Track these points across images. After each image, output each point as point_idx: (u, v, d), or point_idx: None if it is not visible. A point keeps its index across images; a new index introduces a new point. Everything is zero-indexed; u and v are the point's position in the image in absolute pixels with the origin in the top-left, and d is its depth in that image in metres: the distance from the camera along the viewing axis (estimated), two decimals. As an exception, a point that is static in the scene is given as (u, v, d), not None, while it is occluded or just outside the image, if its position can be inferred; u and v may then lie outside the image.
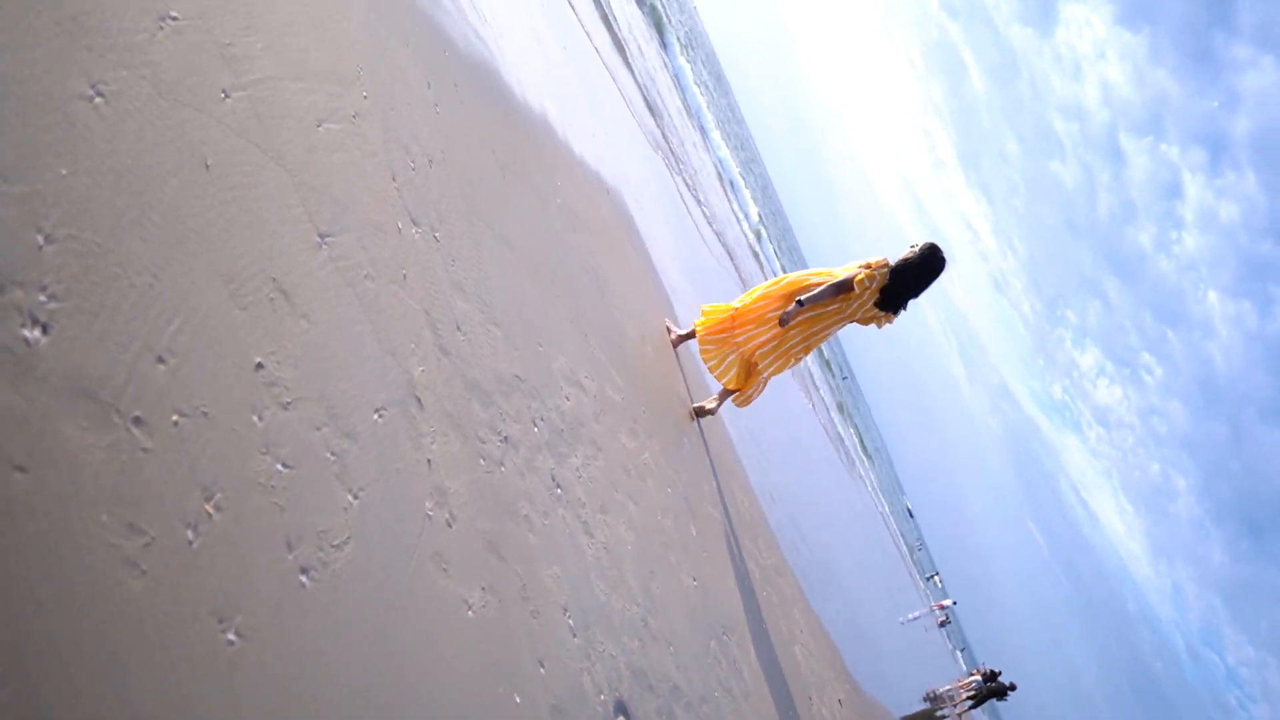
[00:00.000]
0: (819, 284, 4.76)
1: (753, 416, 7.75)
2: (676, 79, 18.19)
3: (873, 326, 5.04)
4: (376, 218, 2.22)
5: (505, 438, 2.46)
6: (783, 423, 10.91)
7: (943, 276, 4.94)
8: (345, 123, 2.26)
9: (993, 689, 22.88)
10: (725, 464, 5.53)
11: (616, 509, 3.14)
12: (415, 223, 2.46)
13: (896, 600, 19.44)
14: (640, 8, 16.14)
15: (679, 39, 24.39)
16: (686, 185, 11.36)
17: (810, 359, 24.20)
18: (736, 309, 4.92)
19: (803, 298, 4.75)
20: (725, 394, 5.14)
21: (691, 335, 5.23)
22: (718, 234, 13.12)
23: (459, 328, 2.46)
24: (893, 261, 4.80)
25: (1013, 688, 23.03)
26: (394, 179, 2.44)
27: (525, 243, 3.40)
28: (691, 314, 5.87)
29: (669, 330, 5.43)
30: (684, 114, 17.01)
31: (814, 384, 22.47)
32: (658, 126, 10.87)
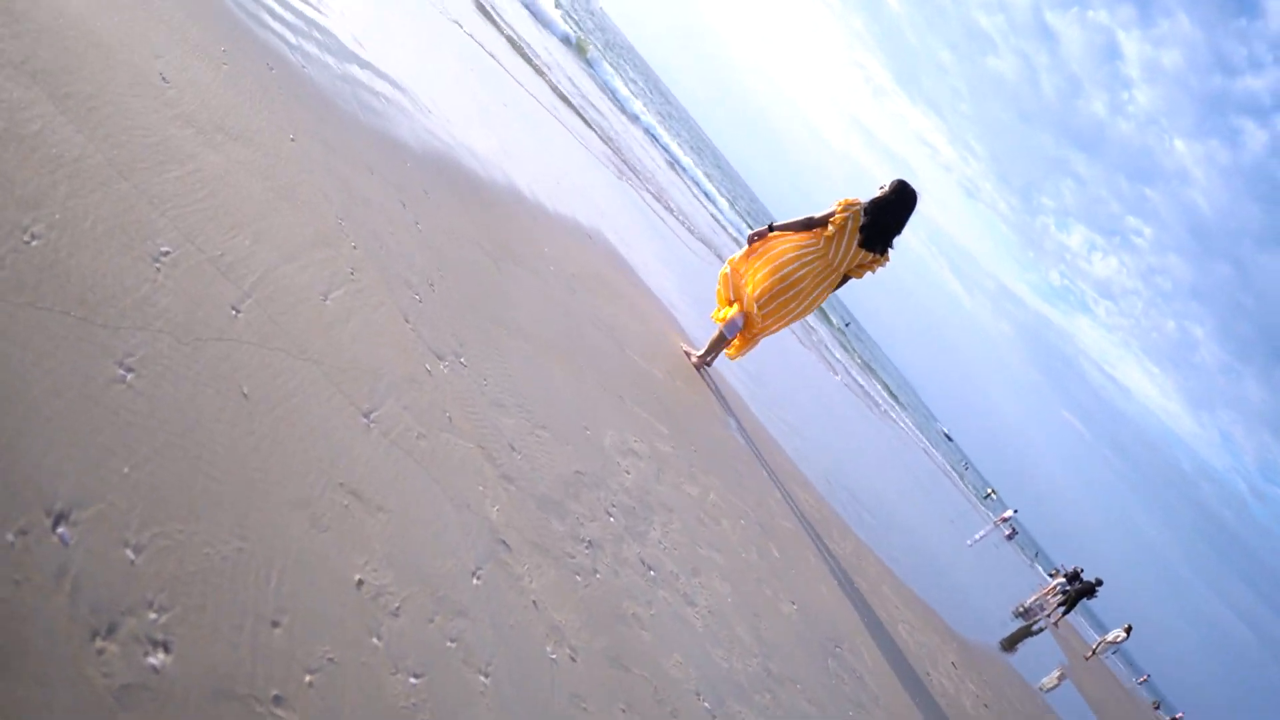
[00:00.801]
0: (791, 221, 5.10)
1: (790, 408, 7.71)
2: (612, 94, 18.23)
3: (868, 276, 5.18)
4: (406, 370, 2.18)
5: (589, 542, 2.41)
6: (817, 403, 10.89)
7: (918, 208, 5.07)
8: (346, 283, 2.22)
9: (1081, 589, 22.84)
10: (781, 469, 5.49)
11: (706, 565, 3.09)
12: (439, 356, 2.42)
13: (959, 529, 19.40)
14: (553, 33, 16.15)
15: (599, 50, 24.44)
16: (653, 196, 11.33)
17: (814, 320, 24.24)
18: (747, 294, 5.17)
19: (772, 223, 5.13)
20: (715, 345, 5.31)
21: (718, 346, 5.35)
22: (692, 231, 13.08)
23: (513, 448, 2.42)
24: (866, 203, 4.95)
25: (1099, 583, 22.99)
26: (407, 320, 2.41)
27: (538, 328, 3.36)
28: (697, 324, 5.89)
29: (688, 355, 5.42)
30: (628, 125, 17.00)
31: (831, 354, 22.42)
32: (608, 147, 10.85)
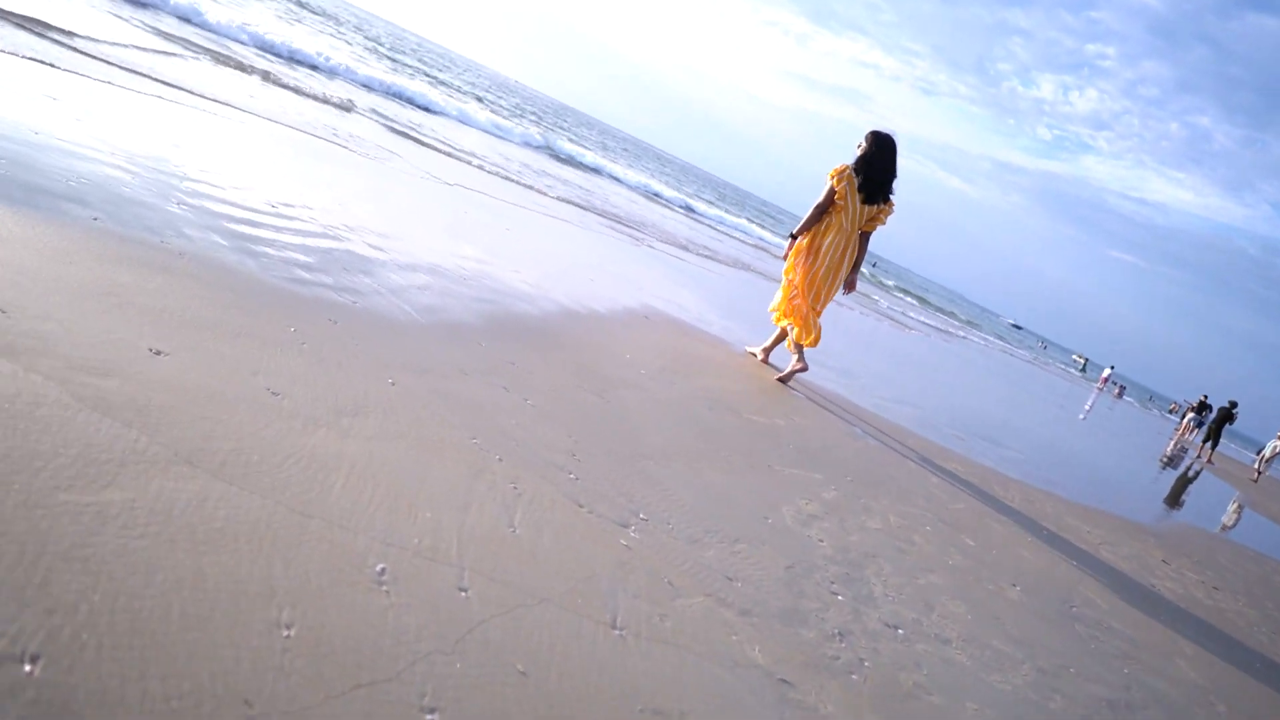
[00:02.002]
0: (805, 220, 5.42)
1: (882, 381, 7.62)
2: (596, 170, 18.51)
3: (879, 228, 5.51)
4: (611, 556, 2.18)
5: (839, 634, 2.37)
6: (897, 361, 10.78)
7: (895, 146, 5.38)
8: (518, 502, 2.23)
9: (1218, 417, 22.18)
10: (917, 448, 5.40)
11: (932, 594, 3.03)
12: (624, 525, 2.41)
13: (1071, 410, 18.97)
14: (530, 148, 16.40)
15: (560, 133, 24.83)
16: (664, 242, 11.36)
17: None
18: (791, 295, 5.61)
19: (793, 230, 5.48)
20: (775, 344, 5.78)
21: (779, 341, 5.85)
22: (713, 257, 13.09)
23: (729, 578, 2.39)
24: (851, 163, 5.31)
25: (1234, 405, 22.31)
26: (580, 505, 2.41)
27: (671, 440, 3.36)
28: (750, 334, 5.89)
29: (753, 355, 5.83)
30: (606, 184, 17.18)
31: (878, 305, 22.23)
32: (607, 219, 10.92)
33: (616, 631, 1.85)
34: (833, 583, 2.72)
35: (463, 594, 1.73)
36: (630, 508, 2.55)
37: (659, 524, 2.53)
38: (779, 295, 5.77)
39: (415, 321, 3.36)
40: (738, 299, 9.29)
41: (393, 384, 2.65)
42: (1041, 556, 4.26)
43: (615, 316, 5.21)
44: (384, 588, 1.63)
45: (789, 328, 5.68)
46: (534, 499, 2.30)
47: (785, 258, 5.66)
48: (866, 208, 5.34)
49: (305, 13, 30.74)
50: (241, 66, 9.27)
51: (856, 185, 5.28)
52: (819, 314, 5.68)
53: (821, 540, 3.05)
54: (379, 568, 1.68)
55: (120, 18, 8.86)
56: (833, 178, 5.33)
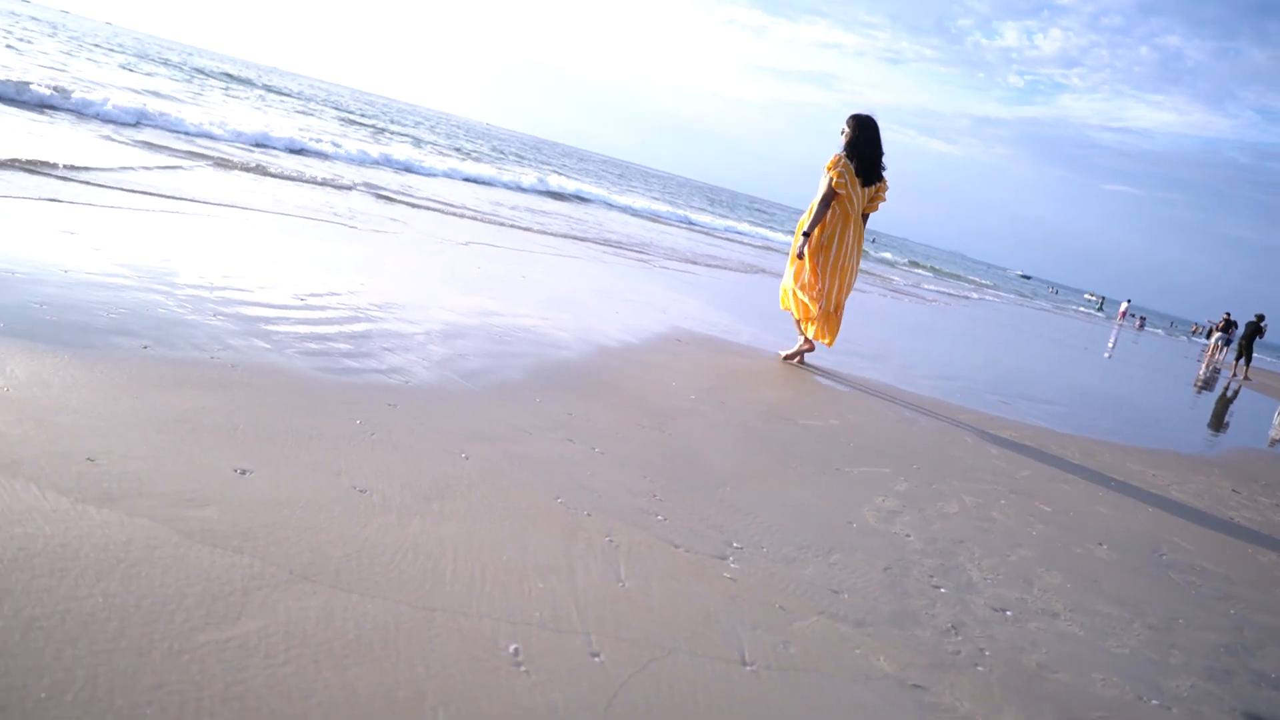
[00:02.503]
0: (808, 214, 5.51)
1: (916, 359, 7.60)
2: (588, 200, 18.63)
3: (881, 207, 5.70)
4: (720, 592, 2.19)
5: (952, 627, 2.37)
6: (926, 338, 10.76)
7: (877, 126, 5.54)
8: (617, 554, 2.25)
9: (1247, 333, 21.97)
10: (969, 421, 5.39)
11: (1027, 568, 3.03)
12: (722, 557, 2.42)
13: (1096, 349, 18.86)
14: (525, 190, 16.52)
15: (545, 168, 25.01)
16: (678, 259, 11.39)
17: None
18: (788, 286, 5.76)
19: (805, 229, 5.53)
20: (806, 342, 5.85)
21: (806, 349, 5.90)
22: (726, 266, 13.12)
23: (835, 590, 2.40)
24: (842, 151, 5.44)
25: (1261, 318, 22.11)
26: (676, 545, 2.42)
27: (740, 461, 3.37)
28: (777, 336, 5.91)
29: (786, 359, 5.88)
30: (606, 212, 17.29)
31: (889, 282, 22.19)
32: (618, 248, 10.98)
33: (748, 667, 1.87)
34: (931, 576, 2.72)
35: (596, 659, 1.74)
36: (722, 539, 2.56)
37: (753, 550, 2.54)
38: (788, 292, 5.88)
39: (467, 389, 3.39)
40: (757, 303, 9.30)
41: (466, 458, 2.67)
42: (1117, 509, 4.24)
43: (649, 345, 5.24)
44: (523, 668, 1.65)
45: (801, 323, 5.85)
46: (631, 548, 2.31)
47: (801, 256, 5.67)
48: (865, 190, 5.50)
49: (273, 96, 31.14)
50: (237, 165, 9.40)
51: (854, 170, 5.41)
52: (841, 306, 5.78)
53: (908, 535, 3.05)
54: (512, 649, 1.70)
55: (114, 140, 9.02)
56: (830, 170, 5.44)
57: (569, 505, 2.51)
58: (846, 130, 5.51)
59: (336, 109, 36.41)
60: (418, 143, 28.00)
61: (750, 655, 1.92)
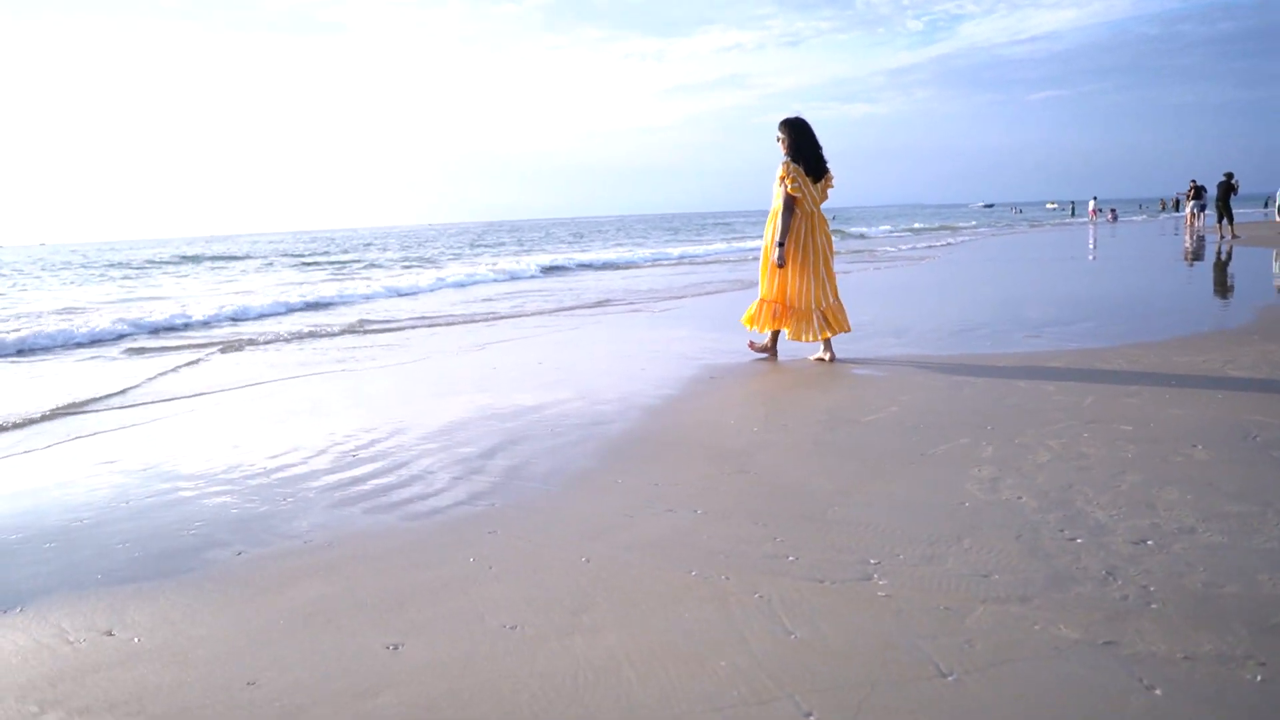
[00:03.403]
0: (775, 227, 5.80)
1: (927, 324, 7.63)
2: (561, 268, 18.82)
3: (830, 194, 6.01)
4: (886, 614, 2.20)
5: (1107, 574, 2.38)
6: (928, 302, 10.80)
7: (809, 124, 5.87)
8: (766, 611, 2.26)
9: (1220, 193, 22.09)
10: (1012, 366, 5.42)
11: (1142, 492, 3.06)
12: (866, 578, 2.43)
13: (1079, 254, 18.99)
14: (520, 278, 16.65)
15: (505, 251, 25.20)
16: (671, 298, 11.46)
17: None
18: (767, 297, 5.98)
19: (779, 240, 5.78)
20: (827, 343, 5.99)
21: (775, 340, 6.17)
22: (711, 288, 13.20)
23: (985, 575, 2.41)
24: (786, 159, 5.77)
25: (1229, 176, 22.25)
26: (821, 580, 2.43)
27: (828, 478, 3.39)
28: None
29: (822, 360, 6.04)
30: (587, 273, 17.42)
31: (865, 260, 22.31)
32: (613, 305, 11.05)
33: (949, 678, 1.87)
34: (1061, 530, 2.73)
35: (812, 719, 1.75)
36: (857, 559, 2.57)
37: (891, 560, 2.55)
38: (756, 306, 6.14)
39: (550, 493, 3.41)
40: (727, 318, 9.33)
41: (587, 561, 2.69)
42: (1191, 407, 4.26)
43: (688, 391, 5.27)
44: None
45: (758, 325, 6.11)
46: (782, 598, 2.32)
47: (780, 265, 5.89)
48: (817, 185, 5.84)
49: (227, 264, 31.43)
50: (219, 344, 9.45)
51: (804, 172, 5.75)
52: (837, 292, 6.04)
53: (1019, 497, 3.06)
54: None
55: (106, 358, 9.06)
56: (784, 180, 5.74)
57: (704, 575, 2.52)
58: (783, 137, 5.81)
59: (289, 256, 36.72)
60: (374, 265, 28.24)
61: (944, 665, 1.93)
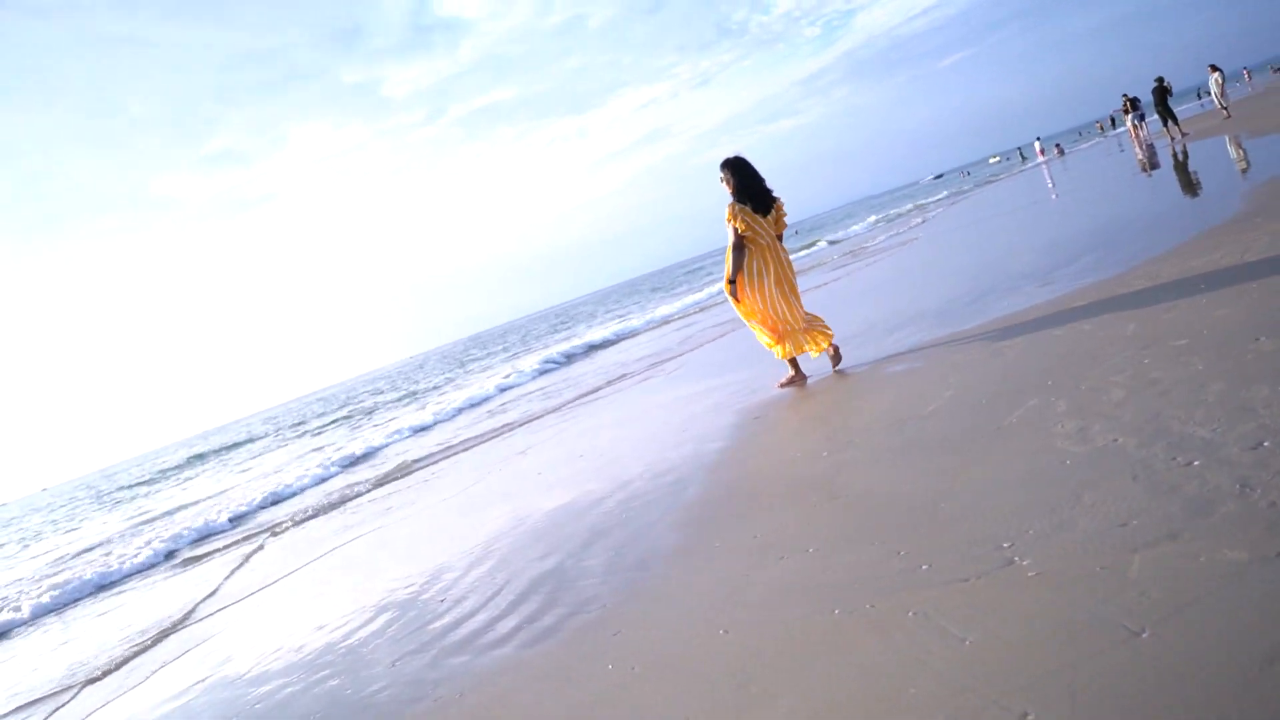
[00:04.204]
0: (728, 265, 5.98)
1: (959, 293, 7.64)
2: (557, 362, 18.85)
3: (784, 222, 6.14)
4: (1046, 593, 2.15)
5: (1241, 487, 2.34)
6: (950, 267, 10.83)
7: (748, 158, 6.06)
8: (933, 624, 2.21)
9: (1157, 99, 22.38)
10: (1044, 313, 5.41)
11: (1232, 398, 3.03)
12: (1009, 562, 2.39)
13: (1040, 199, 19.16)
14: (520, 386, 16.66)
15: (493, 362, 25.26)
16: (678, 356, 11.47)
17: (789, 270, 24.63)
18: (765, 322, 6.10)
19: (730, 277, 6.00)
20: (795, 365, 6.26)
21: (796, 365, 6.27)
22: (711, 335, 13.22)
23: (1122, 524, 2.37)
24: (731, 200, 5.95)
25: (1160, 80, 22.58)
26: (965, 580, 2.38)
27: (922, 480, 3.35)
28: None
29: (784, 384, 6.30)
30: (586, 355, 17.48)
31: (878, 242, 22.46)
32: (619, 378, 11.06)
33: (1143, 635, 1.83)
34: (1174, 459, 2.69)
35: (1029, 717, 1.70)
36: (989, 548, 2.53)
37: (1023, 538, 2.51)
38: (759, 334, 6.24)
39: (657, 576, 3.37)
40: (758, 348, 9.33)
41: (726, 632, 2.64)
42: (1232, 304, 4.24)
43: (741, 438, 5.25)
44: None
45: (790, 348, 6.16)
46: (936, 608, 2.28)
47: (737, 303, 6.14)
48: (766, 218, 5.98)
49: (239, 458, 31.45)
50: (265, 531, 9.40)
51: (750, 209, 5.92)
52: (806, 315, 6.14)
53: (1115, 439, 3.03)
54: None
55: (157, 576, 9.00)
56: (731, 220, 5.92)
57: (848, 610, 2.47)
58: (725, 177, 6.02)
59: (293, 428, 36.80)
60: (379, 409, 28.30)
61: (1132, 624, 1.88)
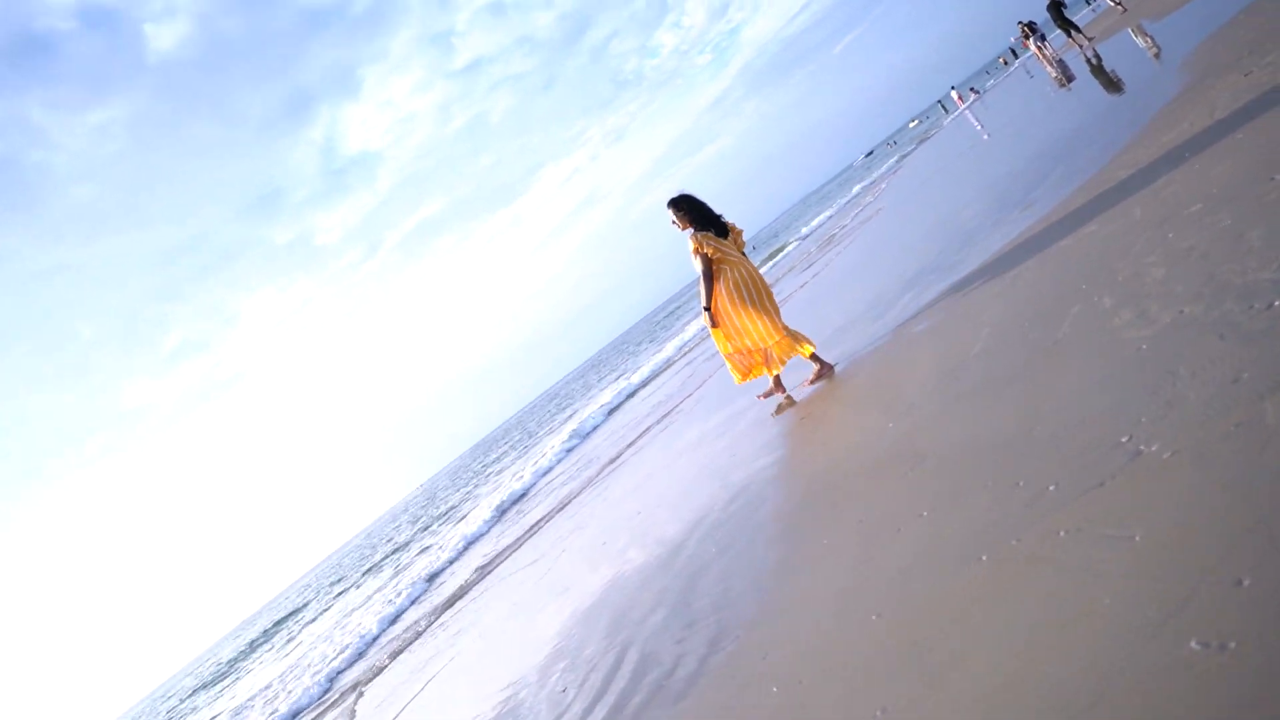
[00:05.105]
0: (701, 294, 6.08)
1: (943, 252, 7.63)
2: (567, 450, 18.72)
3: (742, 241, 6.33)
4: (1234, 422, 2.08)
5: None
6: (919, 236, 10.84)
7: (694, 191, 6.27)
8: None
9: (1054, 15, 22.78)
10: (1028, 242, 5.39)
11: (1273, 234, 2.98)
12: (1147, 448, 2.31)
13: (976, 145, 19.39)
14: (513, 499, 16.52)
15: (498, 472, 25.04)
16: (689, 397, 11.41)
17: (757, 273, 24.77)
18: (738, 349, 6.17)
19: (704, 305, 6.09)
20: (778, 381, 6.40)
21: (778, 383, 6.41)
22: (697, 379, 13.17)
23: (1204, 424, 2.30)
24: (691, 231, 6.09)
25: (1055, -10, 22.94)
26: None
27: (1022, 417, 3.27)
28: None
29: (767, 394, 6.53)
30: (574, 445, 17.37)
31: (845, 230, 22.54)
32: (639, 435, 10.96)
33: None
34: (1250, 307, 2.64)
35: (1245, 582, 1.62)
36: (1109, 447, 2.45)
37: (1138, 428, 2.43)
38: (732, 369, 6.31)
39: (775, 591, 3.27)
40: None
41: (878, 616, 2.55)
42: (1227, 158, 4.21)
43: (790, 444, 5.17)
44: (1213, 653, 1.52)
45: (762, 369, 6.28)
46: (1087, 520, 2.20)
47: (715, 328, 6.19)
48: (724, 241, 6.15)
49: (291, 631, 30.98)
50: (350, 684, 9.18)
51: (709, 238, 6.07)
52: (784, 325, 6.17)
53: (1180, 311, 2.97)
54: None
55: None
56: (698, 251, 6.06)
57: (993, 553, 2.39)
58: (677, 217, 6.20)
59: (333, 585, 36.34)
60: (413, 543, 28.01)
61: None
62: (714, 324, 6.15)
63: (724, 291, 6.09)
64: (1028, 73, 32.63)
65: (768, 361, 6.21)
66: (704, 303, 6.08)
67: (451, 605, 9.63)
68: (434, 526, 28.87)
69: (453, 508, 31.53)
